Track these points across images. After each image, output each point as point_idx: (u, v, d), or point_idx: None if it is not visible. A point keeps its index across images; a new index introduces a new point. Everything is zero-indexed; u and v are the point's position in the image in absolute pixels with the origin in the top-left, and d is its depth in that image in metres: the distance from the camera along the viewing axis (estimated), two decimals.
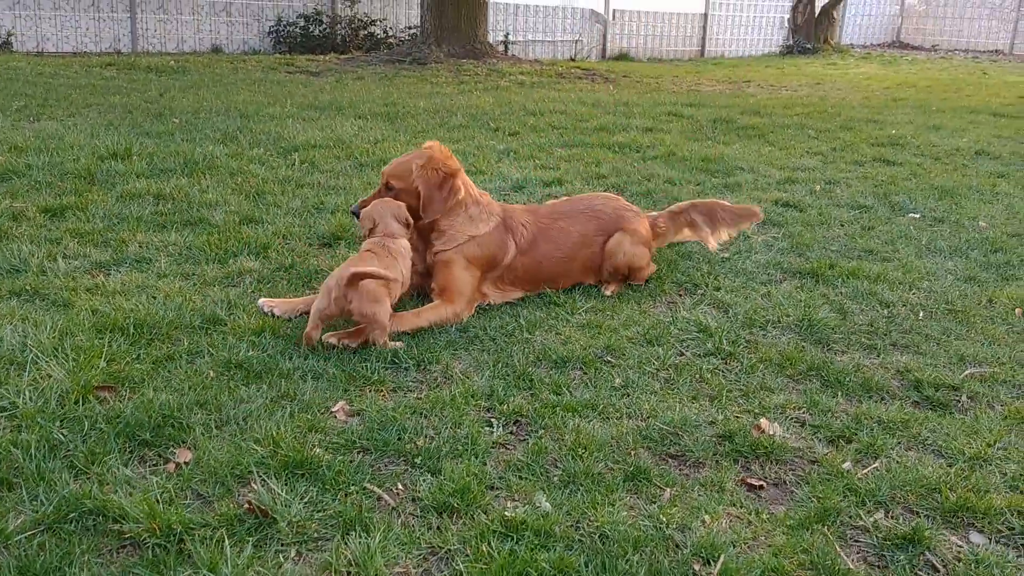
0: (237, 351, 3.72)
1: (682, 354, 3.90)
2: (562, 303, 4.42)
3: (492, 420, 3.28)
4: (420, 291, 4.46)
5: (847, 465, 3.01)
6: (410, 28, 19.25)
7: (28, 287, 4.34)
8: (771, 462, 3.03)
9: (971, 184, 7.42)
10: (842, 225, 6.05)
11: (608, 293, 4.61)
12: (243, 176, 6.64)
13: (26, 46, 17.04)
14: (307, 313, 4.05)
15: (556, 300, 4.45)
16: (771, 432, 3.15)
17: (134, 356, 3.67)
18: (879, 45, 30.37)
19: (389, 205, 4.22)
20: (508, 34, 20.43)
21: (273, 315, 4.15)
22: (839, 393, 3.56)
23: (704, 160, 7.94)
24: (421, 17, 17.38)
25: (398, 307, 4.34)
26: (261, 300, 4.23)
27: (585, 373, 3.69)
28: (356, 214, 4.31)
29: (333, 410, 3.33)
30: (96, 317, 4.00)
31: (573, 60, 21.35)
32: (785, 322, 4.24)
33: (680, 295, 4.65)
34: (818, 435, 3.23)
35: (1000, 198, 7.03)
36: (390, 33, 19.41)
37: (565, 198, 5.05)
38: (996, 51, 28.83)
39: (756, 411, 3.37)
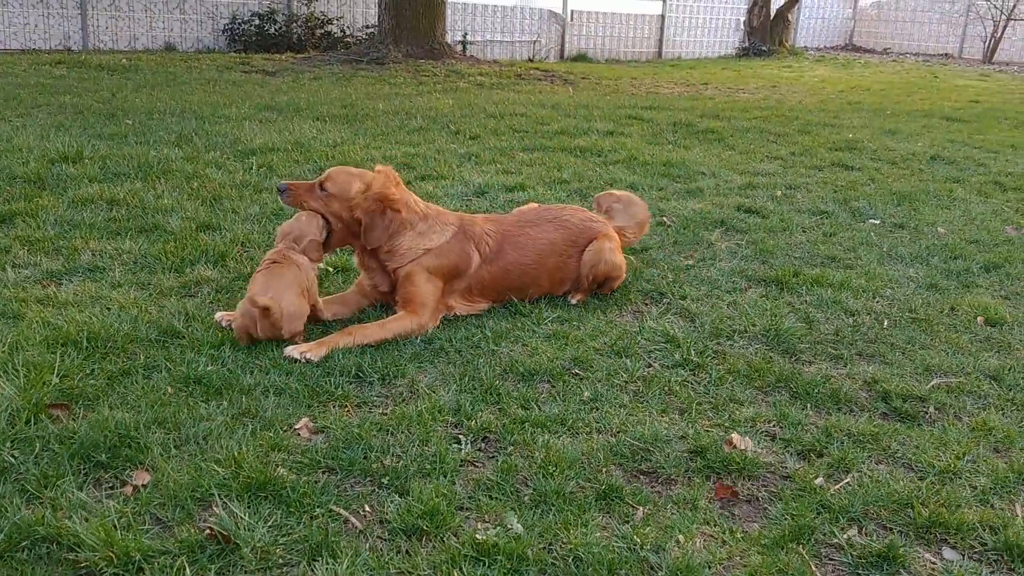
0: (196, 366, 3.62)
1: (650, 366, 3.87)
2: (528, 313, 4.37)
3: (460, 436, 3.21)
4: (381, 301, 4.38)
5: (819, 480, 2.99)
6: (368, 27, 19.05)
7: None
8: (743, 478, 3.00)
9: (928, 189, 7.51)
10: (804, 231, 6.07)
11: (574, 302, 4.57)
12: (200, 180, 6.49)
13: None
14: None
15: (522, 310, 4.40)
16: (742, 447, 3.12)
17: (88, 371, 3.55)
18: (833, 48, 30.75)
19: (311, 226, 4.17)
20: (466, 34, 20.33)
21: (231, 329, 4.04)
22: (808, 405, 3.55)
23: (665, 164, 7.94)
24: (379, 16, 17.21)
25: (361, 318, 4.26)
26: (219, 314, 4.12)
27: (553, 386, 3.64)
28: (282, 191, 4.25)
29: (296, 427, 3.24)
30: (48, 330, 3.87)
31: (531, 61, 21.33)
32: (752, 332, 4.23)
33: (646, 304, 4.62)
34: (789, 449, 3.21)
35: (957, 203, 7.12)
36: (347, 32, 19.20)
37: (530, 206, 4.98)
38: (946, 55, 29.34)
39: (726, 425, 3.34)
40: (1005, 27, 27.20)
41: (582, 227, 4.63)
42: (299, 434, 3.21)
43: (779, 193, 7.13)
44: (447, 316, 4.31)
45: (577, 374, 3.74)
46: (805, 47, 28.94)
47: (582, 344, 4.03)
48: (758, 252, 5.50)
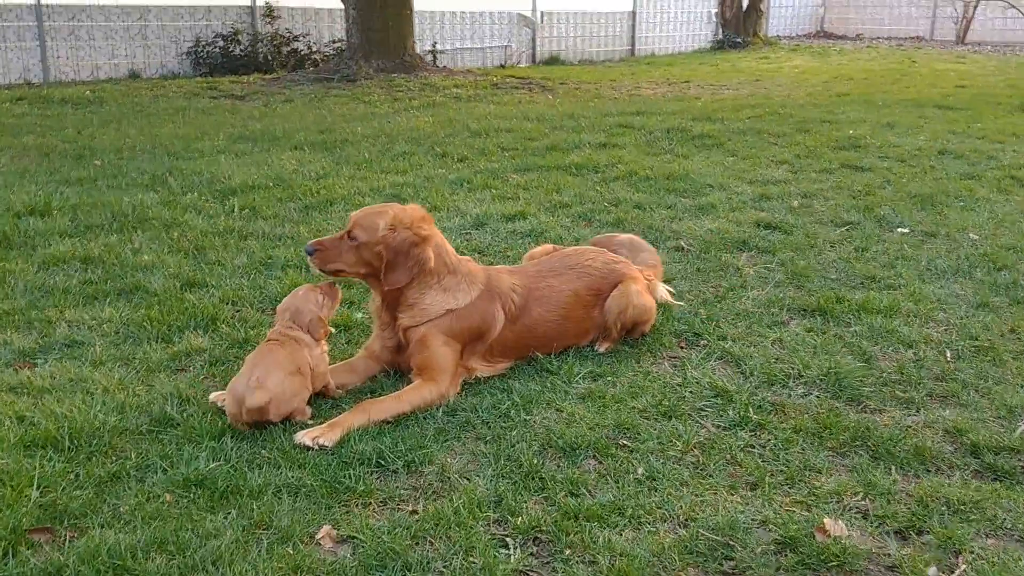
0: (195, 463, 3.18)
1: (703, 427, 3.47)
2: (556, 370, 3.96)
3: (507, 540, 2.79)
4: (394, 367, 3.96)
5: (932, 571, 2.60)
6: (335, 42, 18.56)
7: None
8: (844, 574, 2.61)
9: (947, 190, 7.16)
10: (832, 247, 5.69)
11: (602, 350, 4.16)
12: (179, 229, 6.03)
13: None
14: None
15: (549, 367, 3.98)
16: (836, 533, 2.73)
17: (72, 478, 3.12)
18: (805, 36, 30.57)
19: (309, 301, 3.77)
20: (436, 43, 19.88)
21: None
22: (892, 467, 3.15)
23: (668, 178, 7.55)
24: (347, 31, 16.71)
25: (372, 387, 3.84)
26: (213, 395, 3.68)
27: (600, 462, 3.23)
28: (310, 253, 3.84)
29: (318, 537, 2.82)
30: (23, 428, 3.43)
31: (504, 67, 20.92)
32: (808, 376, 3.84)
33: (682, 348, 4.22)
34: (885, 528, 2.82)
35: (980, 204, 6.77)
36: (314, 48, 18.68)
37: (545, 248, 4.56)
38: (917, 37, 29.23)
39: (809, 502, 2.94)
40: (976, 7, 27.10)
41: (605, 271, 4.22)
42: (321, 545, 2.79)
43: (796, 203, 6.76)
44: (467, 379, 3.89)
45: (625, 445, 3.33)
46: (778, 36, 28.73)
47: (622, 405, 3.62)
48: (790, 275, 5.11)
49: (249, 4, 18.64)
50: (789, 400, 3.65)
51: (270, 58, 18.12)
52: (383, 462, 3.24)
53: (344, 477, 3.12)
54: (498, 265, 4.44)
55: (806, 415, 3.51)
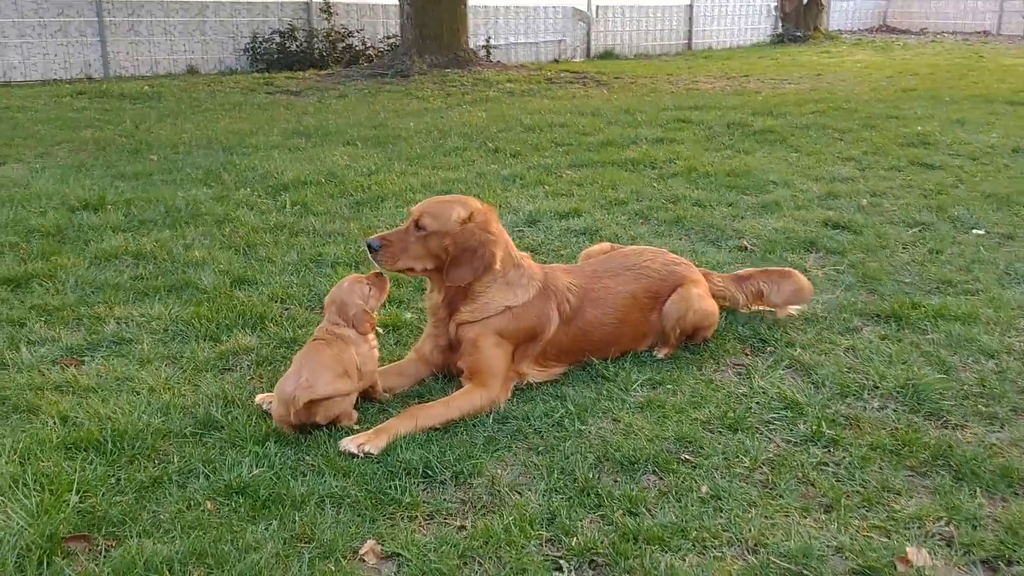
0: (238, 469, 3.07)
1: (772, 442, 3.26)
2: (612, 376, 3.78)
3: (561, 562, 2.63)
4: (443, 371, 3.81)
5: None
6: (389, 38, 18.53)
7: None
8: None
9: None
10: (905, 248, 5.41)
11: (661, 356, 3.97)
12: (231, 225, 5.96)
13: None
14: None
15: (605, 373, 3.81)
16: (919, 562, 2.51)
17: (113, 483, 3.03)
18: (867, 30, 29.84)
19: (354, 294, 3.60)
20: (489, 38, 19.74)
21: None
22: (977, 489, 2.92)
23: (730, 175, 7.30)
24: (401, 27, 16.66)
25: (420, 391, 3.70)
26: (259, 397, 3.57)
27: (661, 478, 3.04)
28: (375, 249, 3.63)
29: (361, 552, 2.68)
30: (66, 429, 3.35)
31: (557, 61, 20.71)
32: (884, 388, 3.60)
33: (747, 355, 4.01)
34: (972, 558, 2.60)
35: None
36: (368, 44, 18.67)
37: (602, 247, 4.38)
38: (984, 32, 28.35)
39: (888, 527, 2.73)
40: None
41: (664, 274, 4.03)
42: (365, 561, 2.65)
43: (865, 202, 6.47)
44: (518, 385, 3.73)
45: (687, 460, 3.14)
46: (839, 30, 28.06)
47: (684, 416, 3.43)
48: (862, 278, 4.86)
49: (306, 0, 18.69)
50: (864, 414, 3.42)
51: (325, 54, 18.15)
52: (430, 472, 3.09)
53: (390, 488, 2.98)
54: (552, 264, 4.26)
55: (883, 430, 3.28)
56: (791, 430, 3.32)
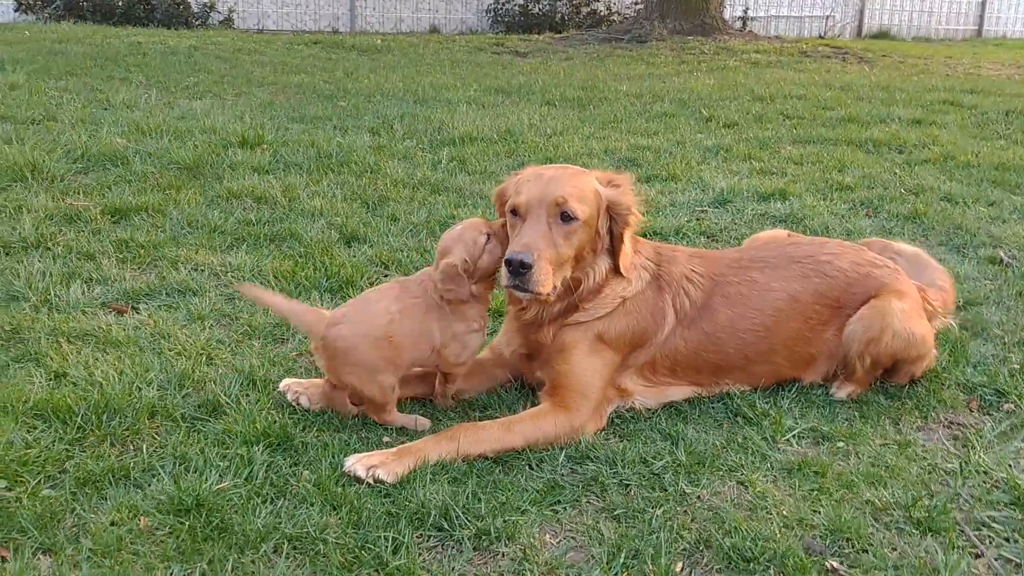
0: (203, 479, 2.29)
1: (981, 558, 2.06)
2: (757, 417, 2.67)
3: None
4: (519, 377, 2.86)
5: None
6: (636, 3, 17.48)
7: (8, 325, 3.15)
8: None
9: None
10: None
11: (842, 396, 2.81)
12: (372, 176, 5.27)
13: (247, 23, 16.89)
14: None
15: (747, 410, 2.71)
16: None
17: (58, 470, 2.35)
18: None
19: (466, 239, 2.65)
20: (748, 9, 18.21)
21: (299, 405, 2.70)
22: None
23: (998, 168, 5.74)
24: None
25: (487, 401, 2.78)
26: (285, 382, 2.78)
27: None
28: (526, 266, 2.48)
29: None
30: (48, 390, 2.72)
31: (822, 37, 18.74)
32: None
33: (973, 411, 2.76)
34: None
35: None
36: (614, 9, 17.76)
37: (773, 234, 3.23)
38: None
39: None
40: None
41: (853, 276, 2.84)
42: None
43: None
44: (619, 409, 2.71)
45: (834, 571, 2.01)
46: None
47: (850, 494, 2.29)
48: None
49: None
50: None
51: (567, 18, 17.46)
52: (448, 523, 2.17)
53: (379, 539, 2.09)
54: (674, 244, 3.12)
55: None
56: (1015, 543, 2.09)
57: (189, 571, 1.99)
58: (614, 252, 2.70)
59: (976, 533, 2.16)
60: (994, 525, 2.18)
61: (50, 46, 10.45)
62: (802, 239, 3.08)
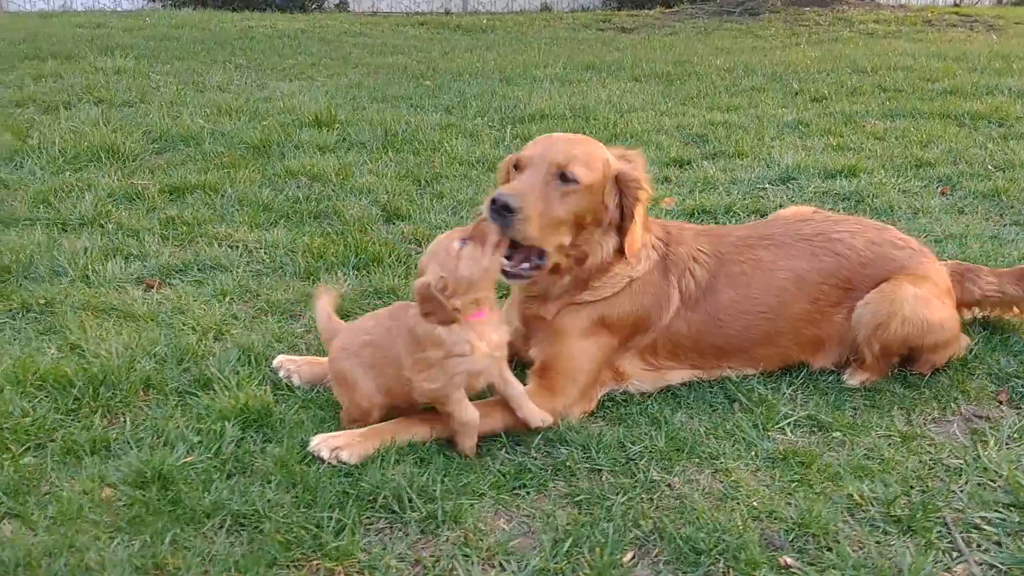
0: (172, 451, 2.32)
1: (962, 562, 1.86)
2: (753, 404, 2.52)
3: None
4: (517, 356, 2.78)
5: None
6: None
7: (43, 299, 3.29)
8: None
9: None
10: None
11: (854, 383, 2.62)
12: (432, 154, 5.26)
13: (361, 6, 17.18)
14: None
15: (746, 396, 2.55)
16: None
17: (44, 438, 2.42)
18: None
19: (441, 250, 2.33)
20: None
21: (290, 383, 2.71)
22: None
23: None
24: None
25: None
26: (279, 359, 2.79)
27: None
28: (510, 209, 2.34)
29: None
30: (58, 359, 2.81)
31: (958, 4, 17.61)
32: None
33: (1001, 403, 2.52)
34: None
35: None
36: None
37: (795, 211, 3.02)
38: None
39: None
40: None
41: (867, 256, 2.64)
42: None
43: None
44: (612, 393, 2.60)
45: (788, 567, 1.87)
46: None
47: (834, 487, 2.13)
48: None
49: None
50: None
51: None
52: (400, 505, 2.13)
53: (326, 519, 2.06)
54: (681, 222, 2.94)
55: None
56: (1002, 549, 1.89)
57: (130, 542, 2.01)
58: (622, 230, 2.58)
59: (964, 535, 1.96)
60: (986, 528, 1.98)
61: (165, 32, 10.89)
62: (821, 216, 2.86)
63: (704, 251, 2.63)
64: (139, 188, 4.54)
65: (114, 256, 3.71)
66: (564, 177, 2.46)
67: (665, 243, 2.63)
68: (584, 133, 5.57)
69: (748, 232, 2.75)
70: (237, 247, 3.86)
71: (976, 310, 2.87)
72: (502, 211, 2.34)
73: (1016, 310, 2.84)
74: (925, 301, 2.53)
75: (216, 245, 3.86)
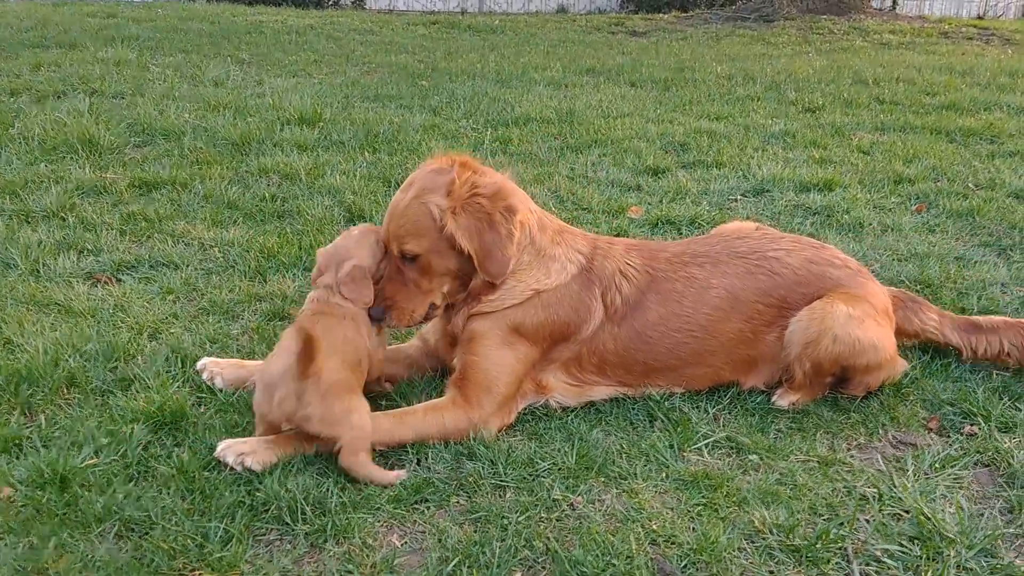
0: (80, 452, 2.29)
1: None
2: (674, 423, 2.45)
3: None
4: (443, 364, 2.74)
5: None
6: None
7: None
8: None
9: None
10: None
11: (783, 404, 2.56)
12: (404, 156, 5.22)
13: (378, 3, 17.18)
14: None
15: (670, 414, 2.49)
16: None
17: None
18: None
19: (364, 246, 2.52)
20: None
21: (213, 384, 2.67)
22: None
23: None
24: None
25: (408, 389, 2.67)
26: (203, 361, 2.75)
27: None
28: (375, 319, 2.50)
29: None
30: None
31: (981, 18, 17.39)
32: None
33: (930, 430, 2.45)
34: None
35: None
36: None
37: (741, 231, 2.93)
38: None
39: None
40: None
41: (803, 275, 2.57)
42: None
43: None
44: (534, 405, 2.55)
45: None
46: None
47: (739, 512, 2.07)
48: None
49: None
50: None
51: None
52: (292, 517, 2.09)
53: (211, 530, 2.03)
54: (616, 237, 2.88)
55: None
56: None
57: (16, 545, 1.98)
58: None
59: (863, 567, 1.90)
60: (886, 560, 1.91)
61: (174, 23, 10.92)
62: (758, 233, 2.79)
63: (634, 267, 2.57)
64: (107, 182, 4.53)
65: (68, 251, 3.70)
66: (405, 256, 2.50)
67: (589, 257, 2.57)
68: (566, 138, 5.63)
69: (683, 248, 2.69)
70: (192, 244, 3.84)
71: (912, 341, 2.80)
72: (380, 319, 2.50)
73: (957, 353, 2.77)
74: (858, 320, 2.46)
75: (172, 242, 3.84)
